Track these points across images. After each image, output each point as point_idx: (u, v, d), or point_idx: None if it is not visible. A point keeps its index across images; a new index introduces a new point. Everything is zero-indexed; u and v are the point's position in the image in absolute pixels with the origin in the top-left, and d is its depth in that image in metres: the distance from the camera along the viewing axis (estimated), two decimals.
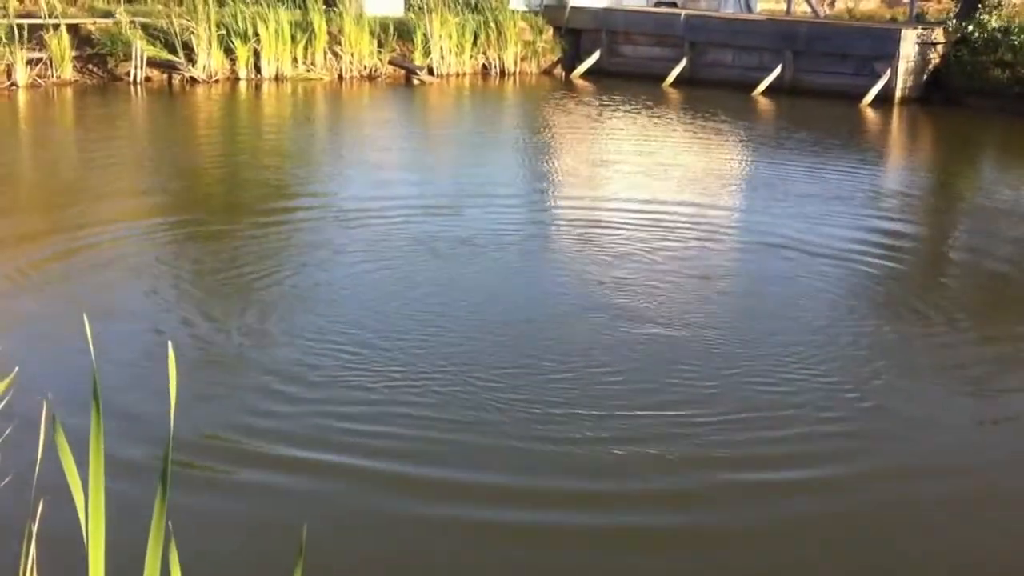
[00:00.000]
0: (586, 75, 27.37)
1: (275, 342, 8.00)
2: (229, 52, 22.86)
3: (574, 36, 28.13)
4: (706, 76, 26.07)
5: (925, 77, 24.06)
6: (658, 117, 21.47)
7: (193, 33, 22.26)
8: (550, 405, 6.98)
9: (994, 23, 23.48)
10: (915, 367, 8.05)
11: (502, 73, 26.70)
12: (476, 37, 26.21)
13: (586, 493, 5.97)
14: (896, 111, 22.96)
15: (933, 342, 8.67)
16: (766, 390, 7.35)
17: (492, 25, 26.36)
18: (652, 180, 15.02)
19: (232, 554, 5.24)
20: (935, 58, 24.12)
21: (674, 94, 24.95)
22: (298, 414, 6.75)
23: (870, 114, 22.68)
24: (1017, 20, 24.06)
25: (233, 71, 22.99)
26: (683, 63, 26.28)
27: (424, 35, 25.22)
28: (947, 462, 6.57)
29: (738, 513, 5.82)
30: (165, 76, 22.38)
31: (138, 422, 6.41)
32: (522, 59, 27.16)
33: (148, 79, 22.11)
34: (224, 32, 22.65)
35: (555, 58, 27.88)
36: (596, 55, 27.60)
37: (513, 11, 26.92)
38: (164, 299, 8.97)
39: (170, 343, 2.58)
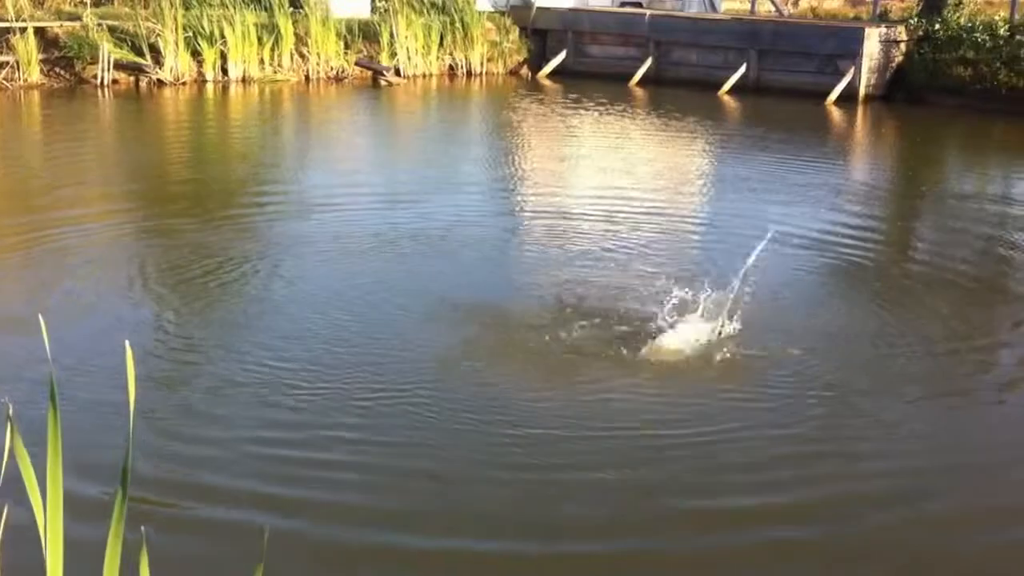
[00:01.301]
0: (552, 75, 27.49)
1: (220, 346, 7.97)
2: (196, 54, 22.85)
3: (540, 36, 28.24)
4: (671, 75, 26.24)
5: (888, 75, 24.31)
6: (623, 116, 21.64)
7: (160, 36, 22.24)
8: (504, 424, 6.75)
9: (957, 21, 23.75)
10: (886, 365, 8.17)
11: (469, 73, 26.78)
12: (442, 38, 26.28)
13: (539, 522, 5.72)
14: (860, 109, 23.20)
15: (899, 337, 8.78)
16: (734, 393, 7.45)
17: (458, 26, 26.42)
18: (618, 178, 15.16)
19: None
20: (898, 56, 24.37)
21: (640, 93, 25.11)
22: (234, 425, 6.66)
23: (834, 112, 22.91)
24: (979, 18, 24.36)
25: (200, 73, 22.98)
26: (648, 62, 26.43)
27: (390, 36, 25.27)
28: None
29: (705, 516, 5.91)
30: (132, 79, 22.35)
31: (85, 426, 6.42)
32: (488, 59, 27.25)
33: (115, 82, 22.06)
34: (191, 34, 22.63)
35: (521, 58, 27.98)
36: (562, 55, 27.72)
37: (479, 12, 26.99)
38: (116, 300, 8.98)
39: (128, 344, 2.61)
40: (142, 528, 2.73)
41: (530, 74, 27.75)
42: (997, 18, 23.86)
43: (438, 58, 26.34)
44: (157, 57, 22.34)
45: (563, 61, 27.73)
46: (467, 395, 7.18)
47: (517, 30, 27.98)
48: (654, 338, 8.10)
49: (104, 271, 9.81)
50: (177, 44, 22.42)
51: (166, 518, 5.50)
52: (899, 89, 24.13)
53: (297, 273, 9.90)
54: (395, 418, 6.81)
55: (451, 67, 26.74)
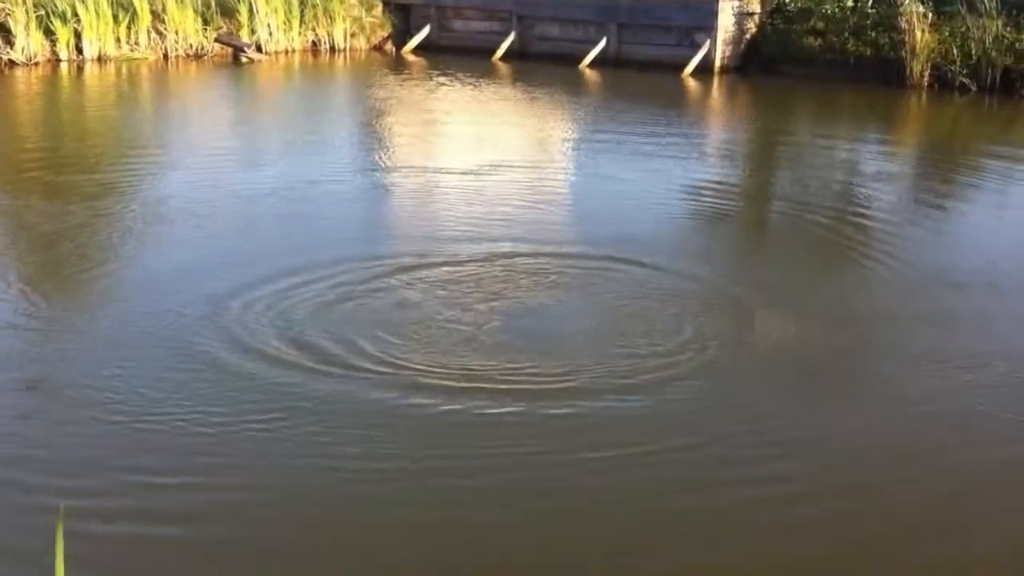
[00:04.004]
0: (416, 50, 27.52)
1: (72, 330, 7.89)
2: (49, 33, 22.42)
3: (404, 11, 28.23)
4: (535, 50, 26.48)
5: (743, 47, 24.84)
6: (486, 90, 21.82)
7: (10, 15, 21.78)
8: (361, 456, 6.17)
9: None
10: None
11: (332, 49, 26.67)
12: (304, 13, 26.12)
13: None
14: (716, 80, 23.71)
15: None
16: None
17: (319, 1, 26.29)
18: (479, 149, 15.41)
19: None
20: (752, 28, 24.91)
21: (503, 68, 25.28)
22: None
23: (691, 83, 23.38)
24: None
25: (54, 53, 22.54)
26: (512, 37, 26.61)
27: (250, 11, 25.06)
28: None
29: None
30: None
31: None
32: (352, 35, 27.16)
33: None
34: (43, 13, 22.20)
35: (385, 34, 27.94)
36: (426, 30, 27.76)
37: None
38: None
39: None
40: None
41: (394, 49, 27.71)
42: None
43: (300, 34, 26.19)
44: (8, 37, 21.87)
45: (427, 36, 27.76)
46: (319, 416, 6.55)
47: (380, 5, 27.92)
48: (530, 317, 8.25)
49: None
50: (29, 24, 21.97)
51: None
52: (753, 60, 24.69)
53: (136, 247, 9.91)
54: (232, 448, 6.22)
55: (314, 43, 26.59)
